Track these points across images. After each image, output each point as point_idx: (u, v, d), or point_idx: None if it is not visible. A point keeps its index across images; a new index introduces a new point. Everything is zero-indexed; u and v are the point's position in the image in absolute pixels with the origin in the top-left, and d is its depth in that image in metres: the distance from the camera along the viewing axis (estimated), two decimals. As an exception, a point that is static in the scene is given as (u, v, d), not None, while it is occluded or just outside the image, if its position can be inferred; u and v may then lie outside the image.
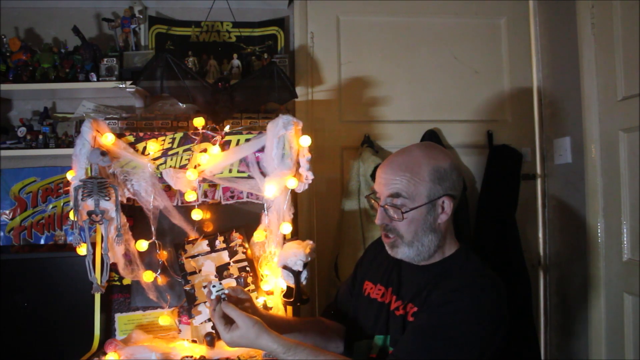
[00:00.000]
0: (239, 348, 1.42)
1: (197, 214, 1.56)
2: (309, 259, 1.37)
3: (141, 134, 1.57)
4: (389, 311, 1.23)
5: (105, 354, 1.39)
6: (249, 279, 1.53)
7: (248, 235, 1.58)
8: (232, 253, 1.57)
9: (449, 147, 2.10)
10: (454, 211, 1.20)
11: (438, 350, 1.05)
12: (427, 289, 1.16)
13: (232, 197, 1.62)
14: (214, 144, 1.55)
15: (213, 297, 1.14)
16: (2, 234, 2.10)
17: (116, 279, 1.56)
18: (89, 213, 1.42)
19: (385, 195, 1.18)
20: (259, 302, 1.50)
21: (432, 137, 2.08)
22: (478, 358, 1.06)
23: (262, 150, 1.53)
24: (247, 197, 1.60)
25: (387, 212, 1.18)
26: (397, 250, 1.20)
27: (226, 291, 1.14)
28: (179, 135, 1.57)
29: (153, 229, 1.51)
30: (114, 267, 1.49)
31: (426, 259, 1.20)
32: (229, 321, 1.10)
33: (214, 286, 1.14)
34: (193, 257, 1.56)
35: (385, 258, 1.31)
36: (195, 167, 1.52)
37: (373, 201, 1.24)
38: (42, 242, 2.11)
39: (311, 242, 1.41)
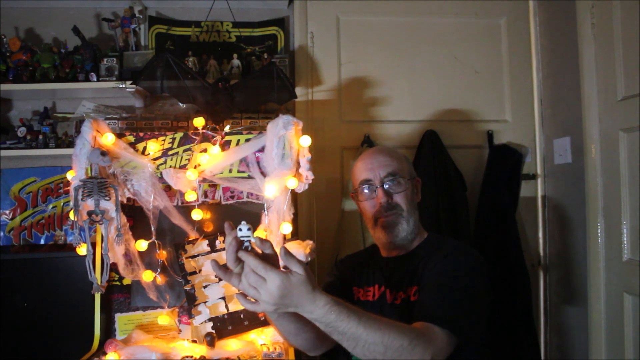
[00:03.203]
0: (238, 348, 1.42)
1: (197, 214, 1.56)
2: (309, 259, 1.37)
3: (141, 134, 1.57)
4: (384, 306, 1.26)
5: (105, 354, 1.39)
6: (249, 279, 1.53)
7: (248, 235, 1.58)
8: (232, 253, 1.57)
9: (449, 147, 2.10)
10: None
11: (456, 298, 1.12)
12: (420, 267, 1.24)
13: (232, 197, 1.62)
14: (214, 144, 1.55)
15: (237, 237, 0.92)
16: (2, 234, 2.10)
17: (116, 279, 1.57)
18: (89, 213, 1.43)
19: (382, 176, 1.31)
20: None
21: (432, 137, 2.08)
22: (484, 306, 1.17)
23: (262, 150, 1.54)
24: (247, 197, 1.61)
25: (388, 189, 1.30)
26: (399, 228, 1.30)
27: (253, 239, 0.92)
28: (179, 135, 1.58)
29: (153, 229, 1.51)
30: (114, 267, 1.50)
31: (412, 240, 1.32)
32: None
33: (240, 229, 0.92)
34: (193, 257, 1.56)
35: (364, 264, 1.38)
36: (195, 167, 1.52)
37: (365, 189, 1.33)
38: (42, 242, 2.11)
39: (311, 242, 1.41)
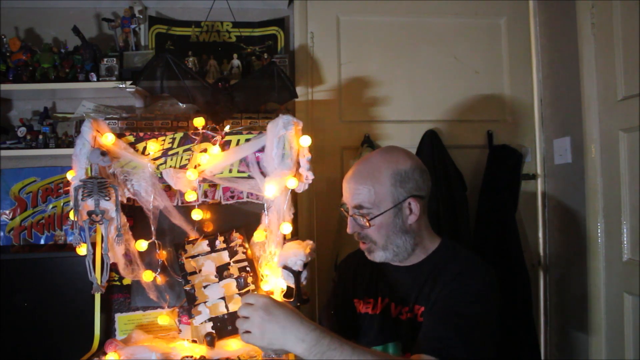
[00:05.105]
0: (238, 348, 1.42)
1: (197, 214, 1.56)
2: (309, 259, 1.37)
3: (141, 134, 1.57)
4: (387, 319, 1.23)
5: (105, 354, 1.39)
6: (249, 279, 1.53)
7: (248, 235, 1.58)
8: (232, 253, 1.57)
9: (449, 147, 2.10)
10: (424, 210, 1.23)
11: (462, 328, 1.05)
12: (428, 286, 1.17)
13: (232, 197, 1.62)
14: (214, 144, 1.55)
15: None
16: (2, 234, 2.10)
17: (116, 279, 1.56)
18: (89, 213, 1.42)
19: (351, 206, 1.21)
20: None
21: (432, 137, 2.08)
22: (493, 334, 1.09)
23: (262, 150, 1.53)
24: (247, 197, 1.60)
25: (355, 220, 1.21)
26: (374, 255, 1.23)
27: None
28: (179, 135, 1.57)
29: (153, 229, 1.51)
30: (114, 267, 1.49)
31: (406, 258, 1.22)
32: None
33: None
34: (193, 257, 1.56)
35: (365, 271, 1.34)
36: (195, 167, 1.52)
37: (343, 211, 1.27)
38: (42, 242, 2.11)
39: (311, 242, 1.41)
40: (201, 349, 1.42)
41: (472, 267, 1.18)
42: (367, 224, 1.18)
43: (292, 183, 1.47)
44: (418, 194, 1.20)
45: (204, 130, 1.57)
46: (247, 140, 1.56)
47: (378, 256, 1.22)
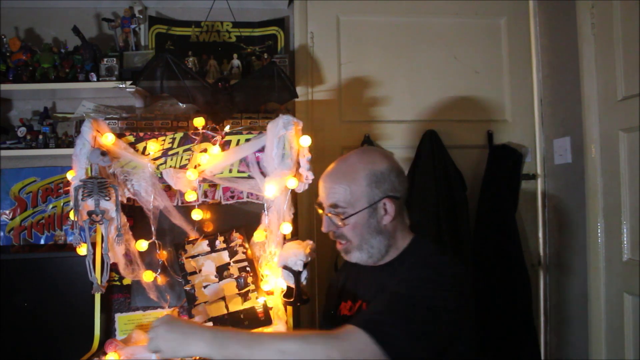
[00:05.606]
0: None
1: (197, 214, 1.56)
2: (309, 259, 1.37)
3: (141, 134, 1.57)
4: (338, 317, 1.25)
5: (105, 354, 1.39)
6: (249, 279, 1.53)
7: (248, 235, 1.58)
8: (232, 253, 1.57)
9: (449, 147, 2.10)
10: (400, 210, 1.23)
11: (396, 305, 1.04)
12: (389, 281, 1.17)
13: (232, 197, 1.62)
14: (214, 144, 1.55)
15: None
16: (2, 234, 2.10)
17: (116, 279, 1.56)
18: (89, 213, 1.42)
19: (326, 205, 1.23)
20: (259, 302, 1.50)
21: (432, 137, 2.08)
22: (443, 323, 1.04)
23: (262, 150, 1.53)
24: (247, 197, 1.60)
25: (331, 219, 1.22)
26: (351, 255, 1.24)
27: None
28: (179, 135, 1.57)
29: (153, 229, 1.51)
30: (114, 267, 1.49)
31: (379, 259, 1.24)
32: None
33: None
34: (193, 257, 1.56)
35: (351, 274, 1.35)
36: (195, 167, 1.52)
37: (319, 210, 1.28)
38: (42, 242, 2.11)
39: (311, 242, 1.41)
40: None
41: (430, 258, 1.19)
42: (342, 223, 1.20)
43: (292, 183, 1.47)
44: (393, 194, 1.21)
45: (204, 130, 1.57)
46: (247, 140, 1.56)
47: (354, 257, 1.24)
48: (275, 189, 1.47)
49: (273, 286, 1.51)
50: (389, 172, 1.21)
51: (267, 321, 1.46)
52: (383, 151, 1.30)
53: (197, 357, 1.08)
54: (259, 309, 1.49)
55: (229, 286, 1.52)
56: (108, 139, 1.50)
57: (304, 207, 2.10)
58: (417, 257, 1.20)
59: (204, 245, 1.58)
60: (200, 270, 1.55)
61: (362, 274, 1.31)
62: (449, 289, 1.07)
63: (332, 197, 1.21)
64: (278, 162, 1.48)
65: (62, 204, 2.13)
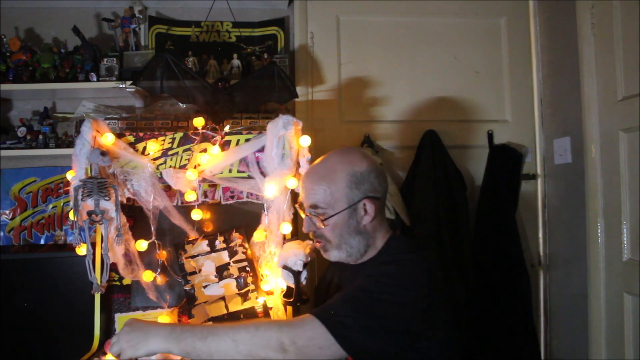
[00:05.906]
0: None
1: (197, 214, 1.56)
2: (309, 259, 1.37)
3: (141, 134, 1.57)
4: None
5: (105, 354, 1.39)
6: (249, 279, 1.53)
7: (248, 235, 1.58)
8: (232, 253, 1.57)
9: (449, 147, 2.10)
10: (380, 211, 1.24)
11: (353, 297, 1.06)
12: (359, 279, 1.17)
13: (232, 197, 1.62)
14: (214, 144, 1.55)
15: None
16: (2, 234, 2.10)
17: (116, 279, 1.56)
18: (89, 213, 1.42)
19: (306, 206, 1.24)
20: (259, 302, 1.50)
21: (432, 137, 2.08)
22: (405, 319, 1.05)
23: (262, 150, 1.53)
24: (247, 197, 1.60)
25: (311, 220, 1.24)
26: (329, 253, 1.25)
27: None
28: (179, 135, 1.57)
29: (153, 229, 1.51)
30: (114, 267, 1.49)
31: (359, 258, 1.24)
32: None
33: None
34: (193, 257, 1.56)
35: (335, 273, 1.37)
36: (195, 167, 1.52)
37: (300, 210, 1.29)
38: (42, 242, 2.11)
39: (311, 242, 1.41)
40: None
41: (399, 255, 1.19)
42: (322, 224, 1.21)
43: (292, 183, 1.47)
44: (373, 195, 1.21)
45: (203, 130, 1.57)
46: (247, 140, 1.56)
47: (333, 255, 1.24)
48: (275, 189, 1.48)
49: (273, 286, 1.51)
50: (368, 172, 1.21)
51: (267, 321, 1.46)
52: (363, 151, 1.30)
53: (159, 356, 1.14)
54: (259, 309, 1.49)
55: (229, 286, 1.52)
56: (108, 139, 1.50)
57: (304, 207, 2.09)
58: (388, 254, 1.21)
59: (203, 245, 1.58)
60: (200, 270, 1.55)
61: (346, 271, 1.32)
62: (413, 286, 1.08)
63: (312, 198, 1.22)
64: (278, 162, 1.48)
65: (62, 204, 2.13)
